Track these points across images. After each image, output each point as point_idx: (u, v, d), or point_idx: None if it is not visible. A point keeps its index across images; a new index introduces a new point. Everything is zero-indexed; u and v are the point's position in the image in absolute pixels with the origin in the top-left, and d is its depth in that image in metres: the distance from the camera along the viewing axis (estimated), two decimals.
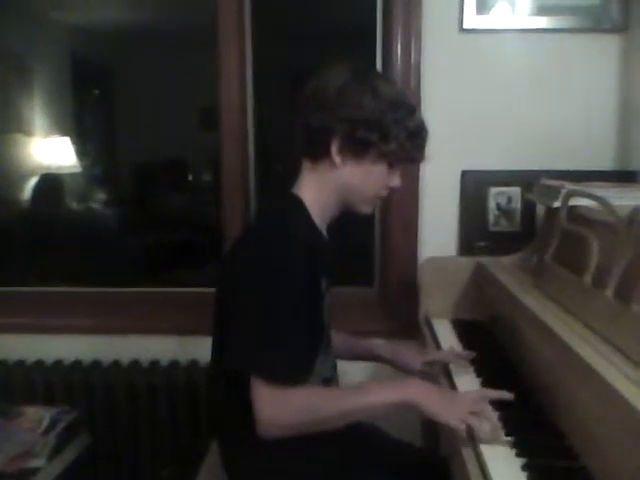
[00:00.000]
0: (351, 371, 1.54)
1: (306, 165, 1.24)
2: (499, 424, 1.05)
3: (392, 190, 1.28)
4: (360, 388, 1.19)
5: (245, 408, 1.07)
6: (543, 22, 1.83)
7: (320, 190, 1.22)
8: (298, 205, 1.21)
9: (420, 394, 1.09)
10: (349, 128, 1.15)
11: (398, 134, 1.17)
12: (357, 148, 1.17)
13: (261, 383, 1.05)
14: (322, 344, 1.22)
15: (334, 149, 1.17)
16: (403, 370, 1.44)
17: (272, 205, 1.32)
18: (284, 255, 1.10)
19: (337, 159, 1.18)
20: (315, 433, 1.08)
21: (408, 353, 1.46)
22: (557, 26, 1.83)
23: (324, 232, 1.27)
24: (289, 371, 1.07)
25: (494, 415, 1.05)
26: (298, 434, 1.08)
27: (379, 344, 1.53)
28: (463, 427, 1.04)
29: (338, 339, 1.47)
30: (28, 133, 3.20)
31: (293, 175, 1.27)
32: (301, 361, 1.10)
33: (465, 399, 1.10)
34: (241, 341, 1.10)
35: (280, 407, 1.06)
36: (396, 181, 1.25)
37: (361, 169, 1.19)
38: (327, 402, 1.11)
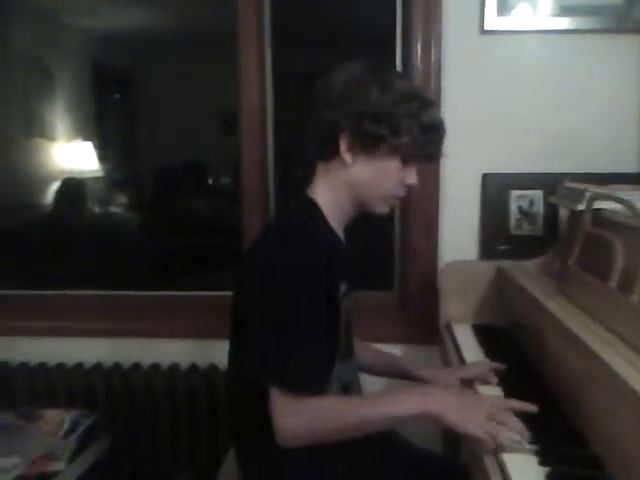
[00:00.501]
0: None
1: (319, 167, 1.22)
2: (526, 433, 1.01)
3: (409, 189, 1.24)
4: (380, 397, 1.16)
5: (263, 416, 1.06)
6: (565, 23, 1.80)
7: (334, 191, 1.20)
8: (313, 208, 1.20)
9: (441, 404, 1.05)
10: (356, 123, 1.12)
11: (410, 127, 1.13)
12: (367, 143, 1.14)
13: (278, 392, 1.04)
14: (340, 350, 1.20)
15: (343, 146, 1.14)
16: None
17: (287, 209, 1.31)
18: (301, 261, 1.08)
19: (347, 157, 1.15)
20: (333, 442, 1.07)
21: (445, 374, 1.41)
22: (579, 27, 1.80)
23: (341, 235, 1.25)
24: (306, 379, 1.05)
25: (520, 425, 1.02)
26: (318, 443, 1.06)
27: (415, 364, 1.47)
28: (487, 437, 1.00)
29: (371, 355, 1.47)
30: (50, 138, 3.23)
31: (308, 179, 1.26)
32: (318, 369, 1.09)
33: (486, 406, 1.06)
34: (257, 350, 1.09)
35: (298, 416, 1.04)
36: (412, 179, 1.21)
37: (373, 166, 1.16)
38: (345, 411, 1.08)
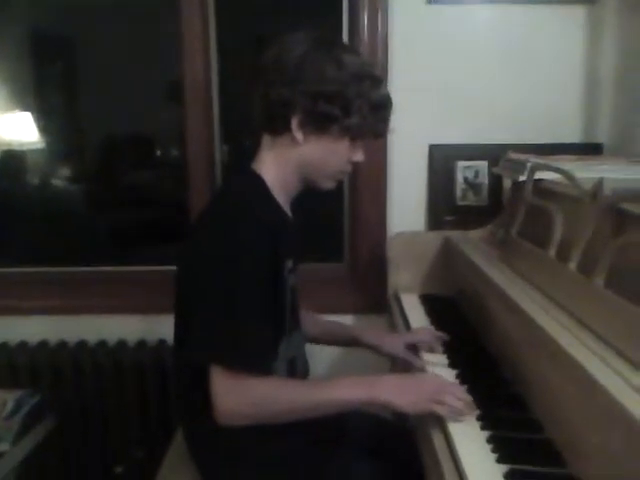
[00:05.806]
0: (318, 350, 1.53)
1: (266, 140, 1.20)
2: (474, 408, 1.04)
3: (356, 165, 1.24)
4: (326, 382, 1.15)
5: (207, 394, 1.05)
6: None
7: (281, 167, 1.18)
8: (259, 183, 1.17)
9: (387, 391, 1.07)
10: (310, 102, 1.11)
11: (361, 107, 1.12)
12: (319, 123, 1.13)
13: (219, 372, 1.03)
14: (285, 328, 1.18)
15: (295, 124, 1.12)
16: (387, 355, 1.44)
17: (232, 183, 1.28)
18: (244, 240, 1.05)
19: (298, 135, 1.13)
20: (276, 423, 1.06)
21: (390, 339, 1.44)
22: None
23: (287, 210, 1.23)
24: (249, 359, 1.04)
25: (469, 398, 1.05)
26: (258, 424, 1.05)
27: (362, 330, 1.50)
28: (436, 411, 1.03)
29: (320, 325, 1.48)
30: None
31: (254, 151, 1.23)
32: (261, 349, 1.07)
33: (432, 388, 1.07)
34: (199, 328, 1.07)
35: (239, 397, 1.03)
36: (359, 156, 1.21)
37: (323, 145, 1.15)
38: (289, 393, 1.08)
